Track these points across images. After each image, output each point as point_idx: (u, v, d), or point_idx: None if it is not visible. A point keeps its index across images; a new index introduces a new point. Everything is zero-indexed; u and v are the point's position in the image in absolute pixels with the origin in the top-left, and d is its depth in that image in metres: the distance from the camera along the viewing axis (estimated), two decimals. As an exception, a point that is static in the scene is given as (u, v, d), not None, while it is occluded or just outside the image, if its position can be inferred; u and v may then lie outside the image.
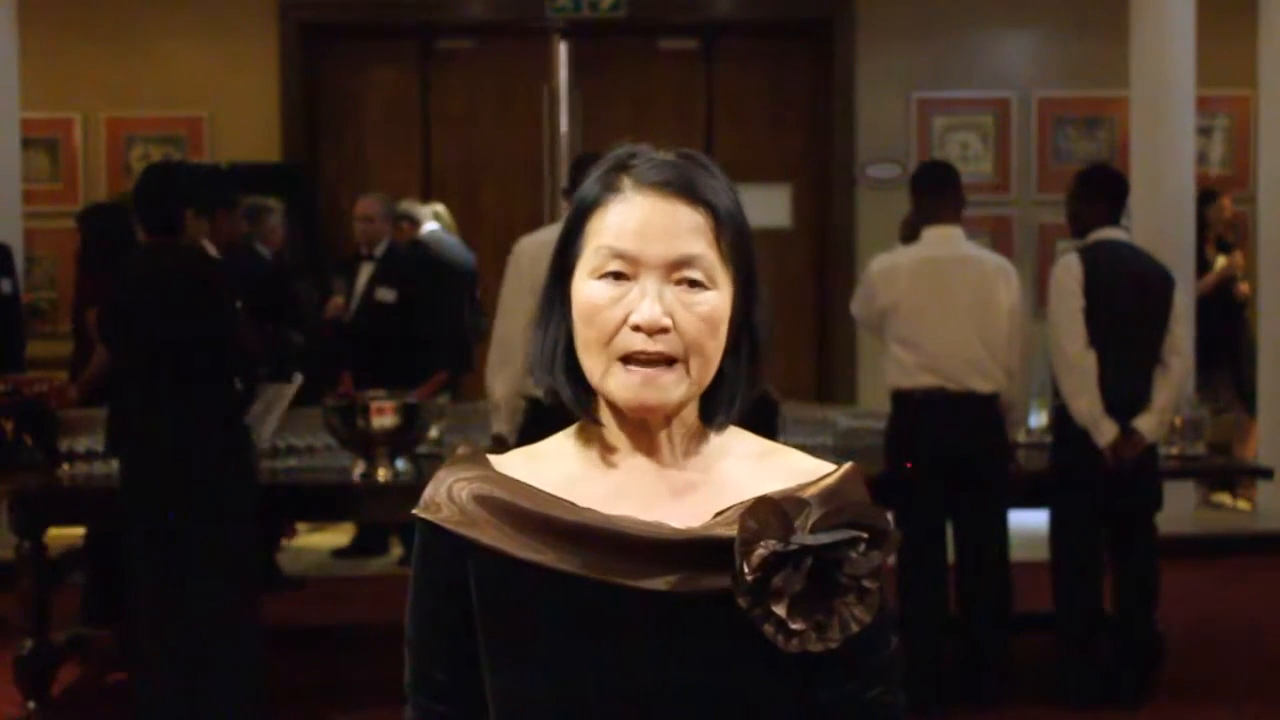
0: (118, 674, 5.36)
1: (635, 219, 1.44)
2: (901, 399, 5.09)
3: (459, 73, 9.27)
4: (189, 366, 4.44)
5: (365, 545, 7.48)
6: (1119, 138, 8.84)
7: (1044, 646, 5.29)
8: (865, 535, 1.40)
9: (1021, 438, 5.54)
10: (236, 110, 8.84)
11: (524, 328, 4.99)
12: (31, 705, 4.94)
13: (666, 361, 1.43)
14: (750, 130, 9.21)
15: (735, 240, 1.47)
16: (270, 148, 8.82)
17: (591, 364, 1.45)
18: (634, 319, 1.42)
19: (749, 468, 1.51)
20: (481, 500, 1.47)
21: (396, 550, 7.42)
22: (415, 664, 1.55)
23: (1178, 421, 5.50)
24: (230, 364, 4.58)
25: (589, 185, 1.48)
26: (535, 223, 7.61)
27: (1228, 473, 7.73)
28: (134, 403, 4.54)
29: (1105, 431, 5.01)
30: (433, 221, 7.80)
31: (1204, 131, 8.62)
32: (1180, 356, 5.16)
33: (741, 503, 1.43)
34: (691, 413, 1.49)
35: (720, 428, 1.51)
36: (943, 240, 5.15)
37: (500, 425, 5.02)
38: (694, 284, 1.44)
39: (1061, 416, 5.19)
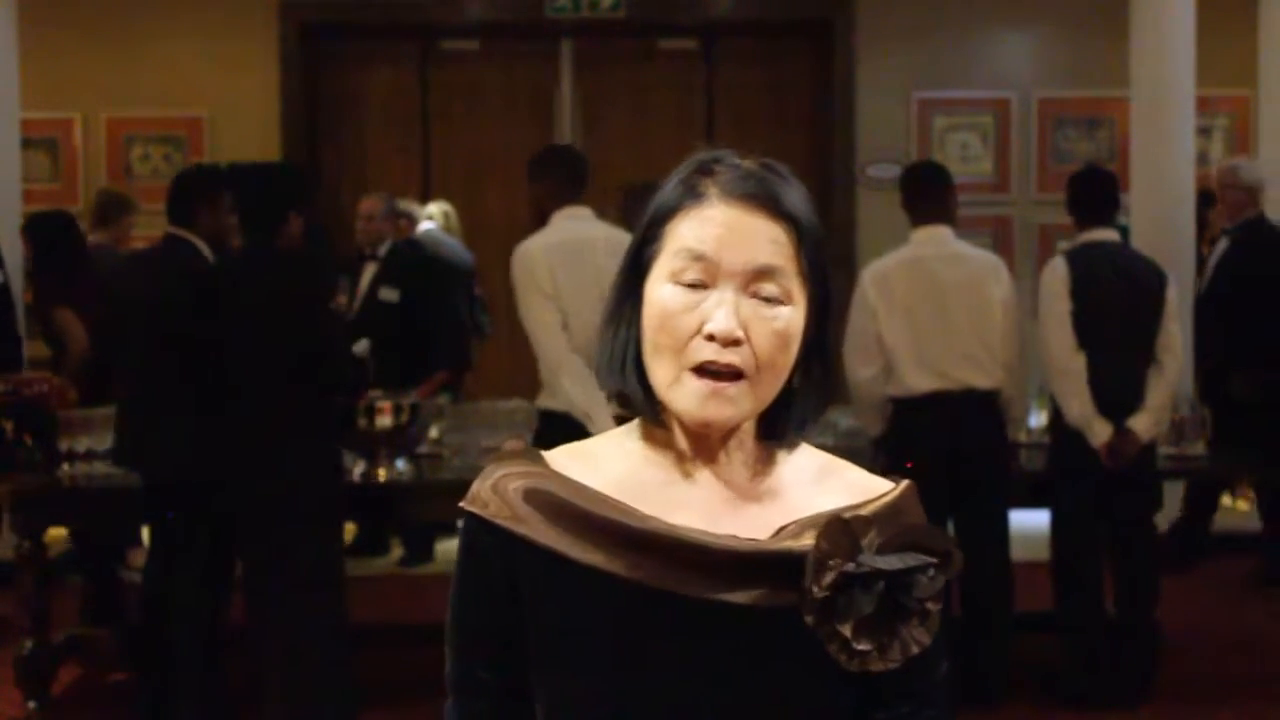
0: (118, 674, 5.36)
1: (718, 225, 1.42)
2: (901, 399, 5.08)
3: (459, 73, 9.27)
4: (298, 370, 4.44)
5: (365, 545, 7.48)
6: (1119, 138, 8.83)
7: (1044, 646, 5.29)
8: (935, 561, 1.40)
9: (1021, 437, 5.53)
10: (236, 110, 8.83)
11: (554, 330, 4.90)
12: (31, 705, 4.94)
13: (736, 375, 1.41)
14: (750, 130, 9.19)
15: (815, 257, 1.45)
16: (270, 148, 8.81)
17: (660, 370, 1.43)
18: (709, 328, 1.40)
19: (808, 481, 1.50)
20: (532, 496, 1.45)
21: (397, 550, 7.42)
22: (457, 661, 1.52)
23: (1176, 421, 5.50)
24: (329, 368, 4.60)
25: (669, 190, 1.46)
26: (537, 222, 7.57)
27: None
28: (234, 408, 4.50)
29: (1099, 432, 5.01)
30: (429, 220, 7.79)
31: (1204, 131, 8.61)
32: (1174, 355, 5.17)
33: (806, 518, 1.43)
34: (753, 426, 1.47)
35: (791, 446, 1.50)
36: (930, 240, 5.15)
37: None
38: (771, 298, 1.42)
39: (1060, 417, 5.19)
